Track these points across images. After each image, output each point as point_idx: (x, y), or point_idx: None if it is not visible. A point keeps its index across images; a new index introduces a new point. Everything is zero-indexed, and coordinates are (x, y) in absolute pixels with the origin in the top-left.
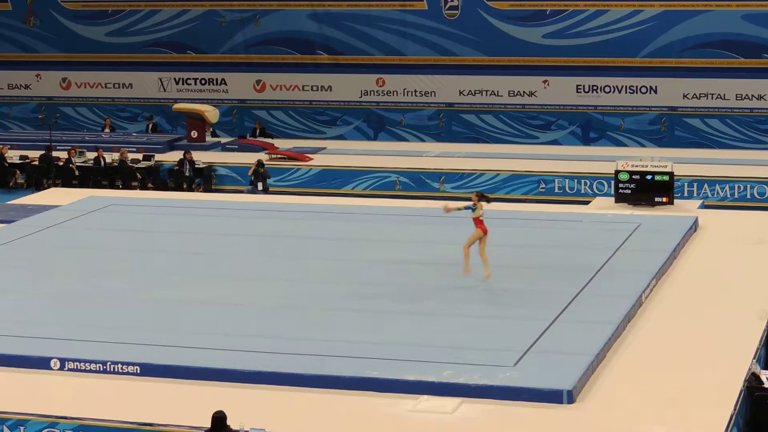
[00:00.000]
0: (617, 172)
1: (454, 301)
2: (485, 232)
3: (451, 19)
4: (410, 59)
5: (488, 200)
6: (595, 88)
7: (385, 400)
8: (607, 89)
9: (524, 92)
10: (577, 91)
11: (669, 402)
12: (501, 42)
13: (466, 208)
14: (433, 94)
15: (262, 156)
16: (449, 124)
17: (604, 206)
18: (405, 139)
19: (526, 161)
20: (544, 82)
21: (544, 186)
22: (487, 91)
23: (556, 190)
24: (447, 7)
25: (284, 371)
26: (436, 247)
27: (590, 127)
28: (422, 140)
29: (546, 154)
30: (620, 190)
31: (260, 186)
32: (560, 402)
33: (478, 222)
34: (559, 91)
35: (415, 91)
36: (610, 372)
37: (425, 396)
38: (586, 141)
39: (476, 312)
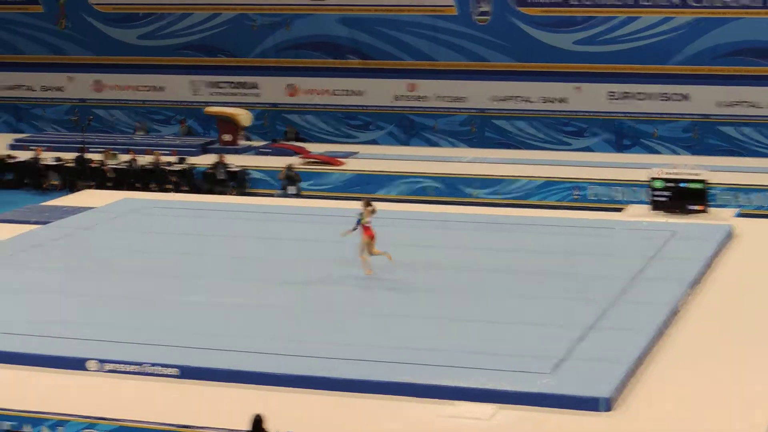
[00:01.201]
0: (652, 179)
1: (492, 307)
2: (371, 237)
3: (482, 24)
4: (441, 65)
5: (373, 209)
6: (627, 95)
7: (423, 406)
8: (639, 96)
9: (556, 99)
10: (610, 98)
11: (706, 409)
12: (532, 48)
13: (357, 222)
14: (464, 99)
15: (295, 160)
16: (482, 129)
17: (638, 214)
18: (437, 145)
19: (559, 168)
20: (577, 88)
21: (577, 193)
22: (518, 97)
23: (590, 198)
24: (478, 12)
25: (321, 375)
26: (470, 252)
27: (623, 134)
28: (455, 146)
29: (579, 161)
30: (655, 198)
31: (292, 190)
32: (597, 409)
33: (365, 229)
34: (591, 98)
35: (447, 96)
36: (647, 379)
37: (461, 402)
38: (620, 148)
39: (513, 318)
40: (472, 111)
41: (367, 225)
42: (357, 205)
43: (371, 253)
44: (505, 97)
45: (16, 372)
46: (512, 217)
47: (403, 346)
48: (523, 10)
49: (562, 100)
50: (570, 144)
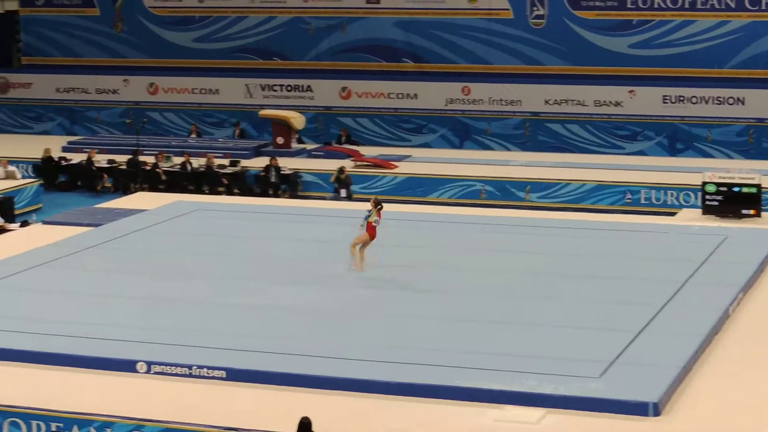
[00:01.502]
0: (704, 183)
1: (540, 310)
2: (372, 237)
3: (536, 28)
4: (496, 68)
5: (380, 207)
6: (681, 98)
7: (470, 409)
8: (693, 100)
9: (610, 102)
10: (664, 102)
11: (756, 415)
12: (587, 51)
13: (365, 218)
14: (518, 103)
15: (347, 163)
16: (535, 133)
17: (690, 218)
18: (490, 148)
19: (612, 171)
20: (631, 92)
21: (630, 197)
22: (572, 100)
23: (643, 201)
24: (533, 16)
25: (369, 378)
26: (521, 255)
27: (677, 138)
28: (508, 149)
29: (632, 165)
30: (707, 202)
31: (344, 193)
32: (646, 414)
33: (369, 227)
34: (646, 102)
35: (501, 100)
36: (697, 384)
37: (510, 406)
38: (673, 152)
39: (562, 322)
40: (526, 114)
41: (374, 225)
42: (409, 209)
43: (359, 251)
44: (559, 100)
45: (66, 374)
46: (564, 221)
47: (452, 349)
48: (579, 13)
49: (616, 104)
50: (623, 148)
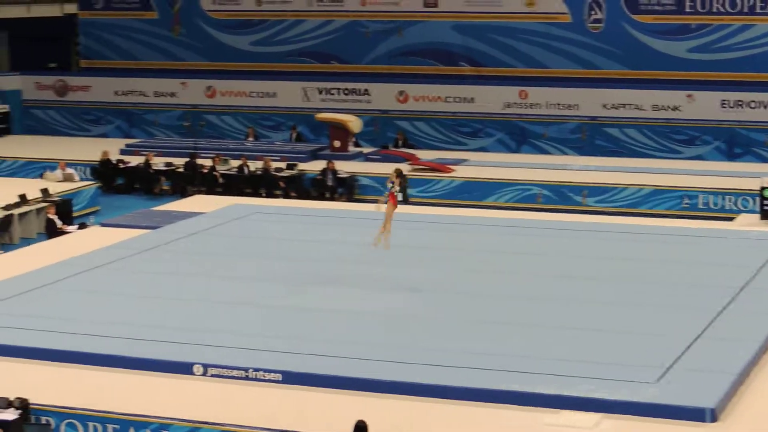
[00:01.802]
0: (762, 188)
1: (596, 315)
2: (395, 205)
3: (594, 32)
4: (554, 72)
5: (404, 178)
6: (740, 103)
7: (525, 413)
8: (752, 104)
9: (668, 106)
10: (722, 106)
11: None
12: (645, 55)
13: (388, 190)
14: (576, 107)
15: (404, 166)
16: (592, 137)
17: (749, 223)
18: (547, 152)
19: (669, 176)
20: (689, 96)
21: (687, 202)
22: (630, 104)
23: (700, 206)
24: (591, 20)
25: (424, 382)
26: (577, 260)
27: (735, 143)
28: (565, 153)
29: (690, 170)
30: (765, 207)
31: (400, 196)
32: (703, 420)
33: (392, 197)
34: (704, 106)
35: (558, 104)
36: (755, 390)
37: (565, 410)
38: (731, 157)
39: (618, 327)
40: (584, 118)
41: (395, 193)
42: (465, 213)
43: (387, 229)
44: (617, 104)
45: (122, 375)
46: (621, 226)
47: (507, 354)
48: (637, 17)
49: (674, 108)
50: (681, 152)
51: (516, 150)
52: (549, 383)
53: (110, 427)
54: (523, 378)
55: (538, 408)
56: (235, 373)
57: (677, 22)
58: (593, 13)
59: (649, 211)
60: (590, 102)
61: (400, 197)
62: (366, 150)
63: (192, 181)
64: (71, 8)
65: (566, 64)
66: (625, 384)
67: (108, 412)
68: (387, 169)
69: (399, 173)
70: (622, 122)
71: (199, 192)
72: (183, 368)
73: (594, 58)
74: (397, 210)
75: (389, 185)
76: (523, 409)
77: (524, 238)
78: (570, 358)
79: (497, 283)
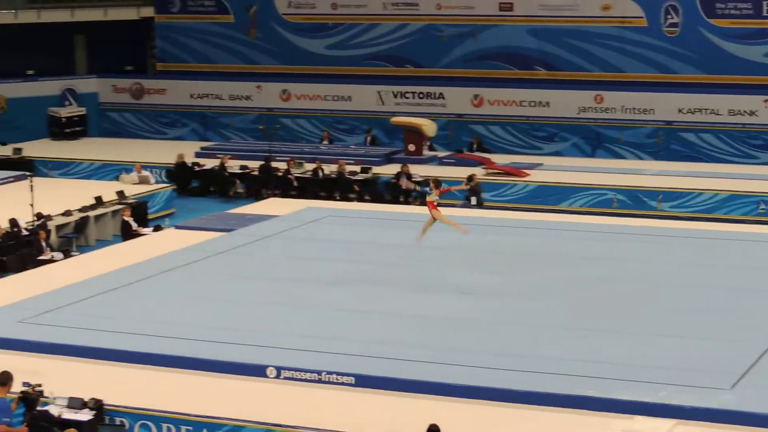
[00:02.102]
0: None
1: (671, 321)
2: (436, 210)
3: (670, 36)
4: (629, 76)
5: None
6: None
7: (599, 419)
8: None
9: (744, 111)
10: None
11: None
12: (721, 60)
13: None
14: (651, 111)
15: (478, 171)
16: (668, 142)
17: None
18: (623, 157)
19: (745, 182)
20: (766, 101)
21: (764, 207)
22: (706, 109)
23: None
24: (667, 24)
25: (499, 387)
26: (652, 265)
27: None
28: (640, 158)
29: (766, 175)
30: None
31: (474, 200)
32: None
33: (431, 205)
34: None
35: (634, 108)
36: None
37: (639, 416)
38: None
39: (693, 333)
40: (659, 123)
41: (435, 203)
42: (540, 217)
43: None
44: (693, 109)
45: (196, 377)
46: (697, 231)
47: (579, 359)
48: (713, 21)
49: (750, 113)
50: (757, 157)
51: (591, 154)
52: (624, 389)
53: (183, 428)
54: (596, 383)
55: (613, 414)
56: (308, 375)
57: (754, 27)
58: (669, 17)
59: (724, 217)
60: (666, 106)
61: (436, 200)
62: (440, 154)
63: (266, 184)
64: (148, 11)
65: (642, 68)
66: (699, 390)
67: (182, 414)
68: (462, 173)
69: (436, 183)
70: (697, 127)
71: (274, 195)
72: (256, 370)
73: (670, 62)
74: (470, 214)
75: (428, 190)
76: (597, 414)
77: (598, 243)
78: (643, 364)
79: (572, 288)
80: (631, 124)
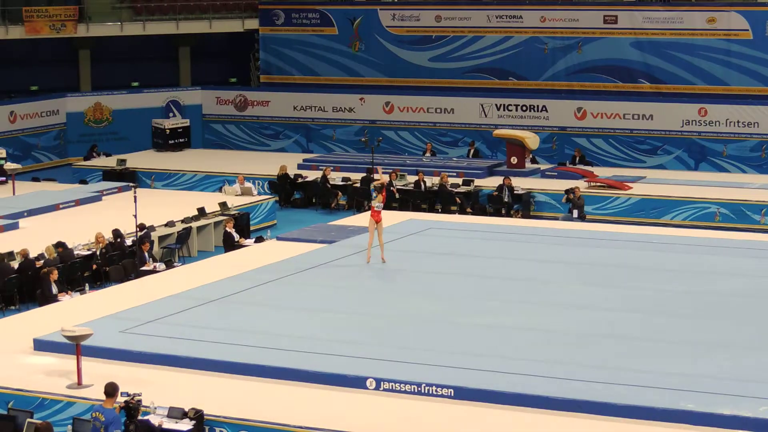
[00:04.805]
0: None
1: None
2: (377, 221)
3: None
4: (734, 89)
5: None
6: None
7: None
8: None
9: None
10: None
11: None
12: None
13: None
14: (756, 125)
15: (581, 183)
16: None
17: None
18: (726, 170)
19: None
20: None
21: None
22: None
23: None
24: None
25: (596, 400)
26: (755, 280)
27: None
28: (744, 172)
29: None
30: None
31: (576, 213)
32: None
33: (373, 212)
34: None
35: (738, 121)
36: None
37: (738, 431)
38: None
39: None
40: (764, 136)
41: (377, 209)
42: (643, 230)
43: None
44: None
45: (295, 388)
46: None
47: (680, 373)
48: None
49: None
50: None
51: (694, 168)
52: (724, 403)
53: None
54: (697, 397)
55: (713, 428)
56: (407, 387)
57: None
58: None
59: None
60: None
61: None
62: (543, 167)
63: (368, 196)
64: (252, 24)
65: (746, 81)
66: None
67: (281, 424)
68: (564, 186)
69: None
70: None
71: None
72: (356, 382)
73: None
74: (572, 227)
75: (373, 195)
76: (696, 428)
77: (701, 257)
78: (744, 378)
79: (678, 302)
80: (735, 137)
